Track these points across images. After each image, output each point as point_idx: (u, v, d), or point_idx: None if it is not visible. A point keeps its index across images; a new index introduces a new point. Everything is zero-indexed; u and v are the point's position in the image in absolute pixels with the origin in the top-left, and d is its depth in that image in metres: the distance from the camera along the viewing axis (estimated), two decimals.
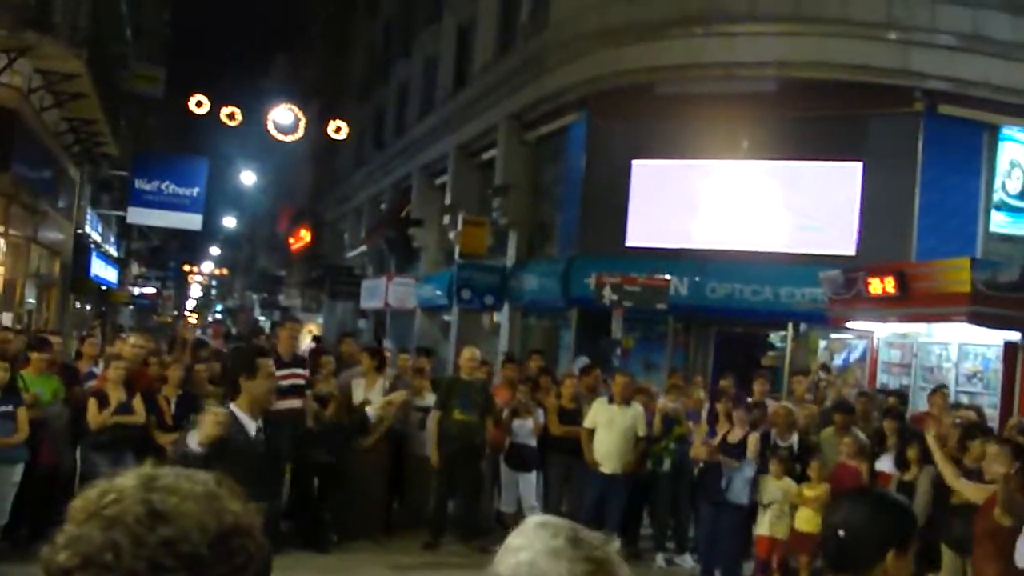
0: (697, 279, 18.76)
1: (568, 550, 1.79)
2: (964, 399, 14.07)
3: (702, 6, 19.63)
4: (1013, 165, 18.83)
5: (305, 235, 53.54)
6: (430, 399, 12.37)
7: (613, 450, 11.66)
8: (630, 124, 20.83)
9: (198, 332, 33.43)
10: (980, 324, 13.71)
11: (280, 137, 31.36)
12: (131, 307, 51.69)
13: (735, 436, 10.88)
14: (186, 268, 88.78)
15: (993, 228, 18.66)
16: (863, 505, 2.97)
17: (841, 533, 2.85)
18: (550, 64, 22.28)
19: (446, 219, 27.08)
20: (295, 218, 58.83)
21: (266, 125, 30.86)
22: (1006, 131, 18.75)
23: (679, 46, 19.79)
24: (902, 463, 9.87)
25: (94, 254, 30.00)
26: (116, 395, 10.24)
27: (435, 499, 12.04)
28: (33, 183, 19.47)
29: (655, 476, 12.05)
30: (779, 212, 19.39)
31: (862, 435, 10.76)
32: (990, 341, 14.71)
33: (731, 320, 19.63)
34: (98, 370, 11.45)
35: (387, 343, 18.20)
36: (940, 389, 13.37)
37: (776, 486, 10.37)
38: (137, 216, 33.47)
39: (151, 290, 55.90)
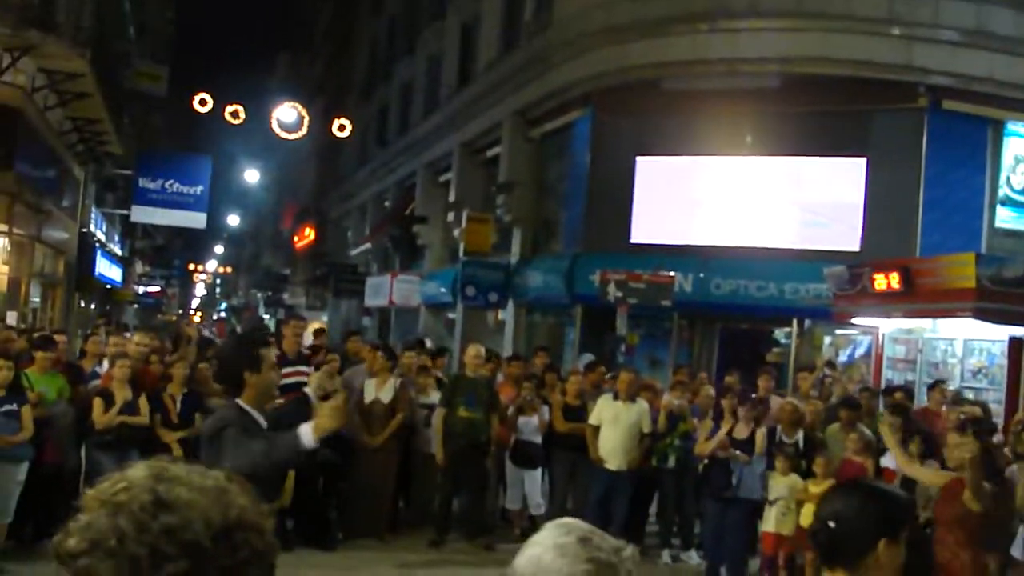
0: (701, 275, 18.74)
1: (575, 548, 1.80)
2: (970, 395, 14.03)
3: (706, 3, 19.62)
4: (1018, 160, 18.78)
5: (309, 233, 53.58)
6: (435, 396, 12.36)
7: (618, 446, 11.65)
8: (634, 121, 20.81)
9: (205, 331, 33.51)
10: (985, 319, 13.70)
11: (284, 135, 31.35)
12: (135, 306, 51.78)
13: (742, 432, 10.87)
14: (190, 267, 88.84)
15: (998, 223, 18.62)
16: (852, 496, 2.97)
17: (832, 525, 2.87)
18: (554, 61, 22.27)
19: (450, 216, 27.11)
20: (299, 216, 58.89)
21: (270, 123, 30.84)
22: (1011, 126, 18.71)
23: (683, 42, 19.76)
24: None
25: (98, 253, 30.07)
26: (122, 394, 10.25)
27: (440, 497, 12.03)
28: (37, 182, 19.49)
29: (660, 473, 12.04)
30: (783, 208, 19.38)
31: (868, 431, 10.73)
32: (995, 336, 14.70)
33: (736, 316, 19.62)
34: (102, 369, 11.45)
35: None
36: (938, 384, 13.42)
37: (782, 482, 10.35)
38: (141, 215, 33.54)
39: (155, 289, 55.96)
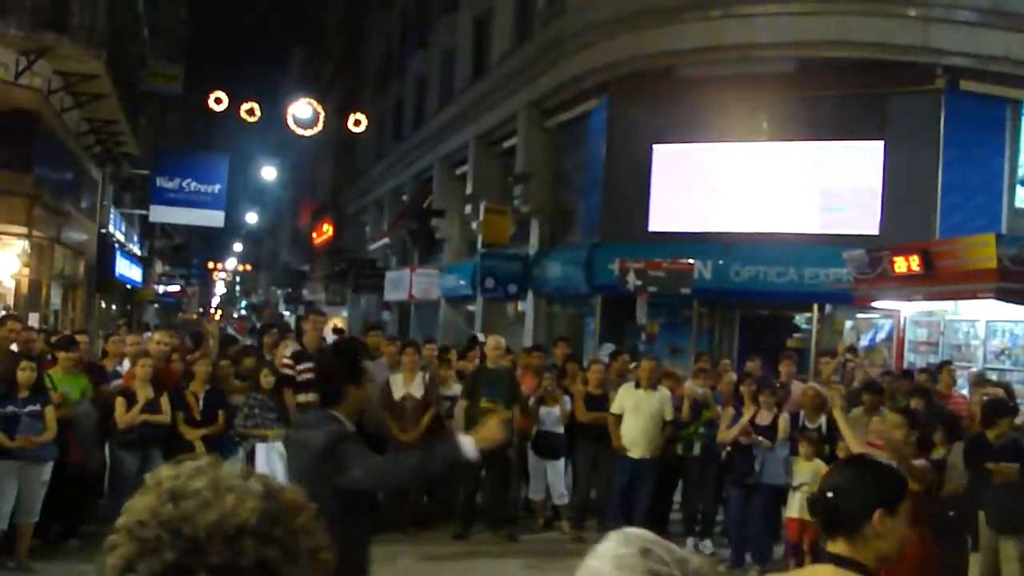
0: (721, 262, 18.70)
1: (634, 560, 1.76)
2: (993, 376, 13.99)
3: None
4: None
5: (327, 229, 53.65)
6: (456, 389, 12.37)
7: (640, 435, 11.64)
8: (650, 109, 20.75)
9: (229, 329, 33.59)
10: (1007, 300, 13.61)
11: (300, 131, 31.36)
12: (156, 305, 51.97)
13: (764, 418, 10.85)
14: (210, 265, 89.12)
15: (1018, 204, 18.51)
16: (849, 469, 3.21)
17: (829, 495, 3.04)
18: (568, 51, 22.23)
19: (468, 209, 27.10)
20: (317, 212, 58.96)
21: (285, 120, 30.89)
22: None
23: (697, 29, 19.70)
24: (927, 442, 9.79)
25: (118, 253, 30.17)
26: (143, 393, 10.30)
27: (464, 489, 12.04)
28: (56, 184, 19.56)
29: (685, 461, 12.01)
30: (802, 193, 19.31)
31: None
32: (1018, 317, 14.62)
33: (756, 303, 19.58)
34: (123, 368, 11.50)
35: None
36: (946, 366, 13.45)
37: (806, 468, 10.31)
38: (160, 214, 33.68)
39: (175, 288, 56.15)
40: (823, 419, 10.80)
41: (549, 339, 18.51)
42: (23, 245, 18.84)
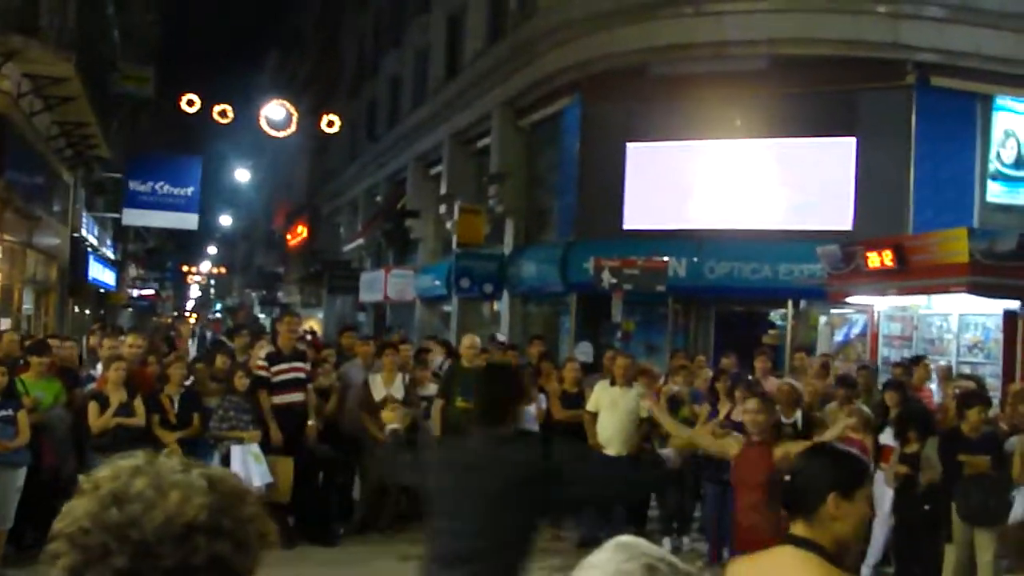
0: (695, 259, 18.74)
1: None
2: (966, 370, 14.08)
3: None
4: (1008, 135, 18.79)
5: (302, 231, 53.50)
6: (432, 388, 12.35)
7: (617, 432, 11.63)
8: (623, 107, 20.78)
9: (208, 334, 33.43)
10: (979, 294, 13.70)
11: (273, 133, 31.28)
12: (130, 309, 51.67)
13: (739, 414, 10.87)
14: (184, 268, 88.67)
15: (989, 198, 18.63)
16: (809, 456, 3.38)
17: (787, 478, 3.27)
18: (541, 49, 22.25)
19: (442, 209, 27.07)
20: (291, 214, 58.78)
21: (258, 121, 30.79)
22: (999, 101, 18.71)
23: (669, 27, 19.74)
24: (903, 436, 9.85)
25: (91, 257, 29.96)
26: (117, 396, 10.23)
27: None
28: (26, 188, 19.43)
29: (662, 459, 12.01)
30: (774, 189, 19.38)
31: (866, 408, 10.75)
32: (990, 311, 14.71)
33: (730, 299, 19.66)
34: (96, 372, 11.43)
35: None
36: (920, 360, 13.52)
37: None
38: (133, 218, 33.52)
39: (150, 291, 55.84)
40: (798, 414, 10.83)
41: (525, 338, 18.50)
42: None
